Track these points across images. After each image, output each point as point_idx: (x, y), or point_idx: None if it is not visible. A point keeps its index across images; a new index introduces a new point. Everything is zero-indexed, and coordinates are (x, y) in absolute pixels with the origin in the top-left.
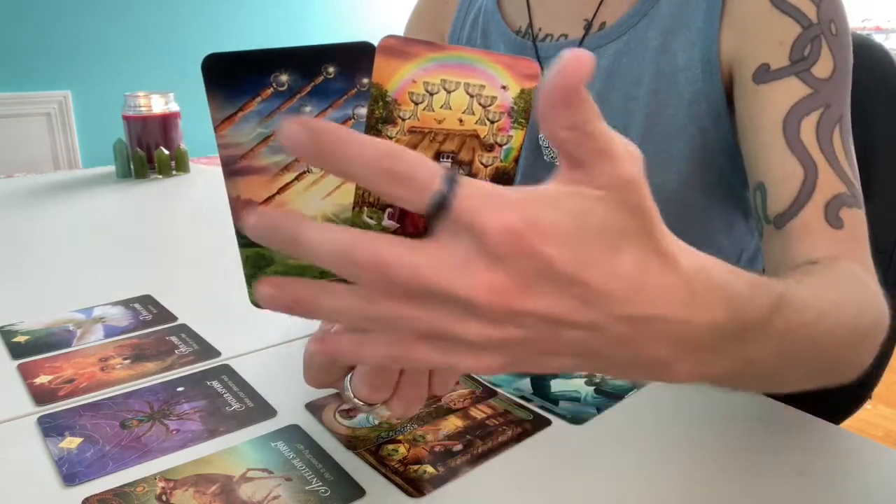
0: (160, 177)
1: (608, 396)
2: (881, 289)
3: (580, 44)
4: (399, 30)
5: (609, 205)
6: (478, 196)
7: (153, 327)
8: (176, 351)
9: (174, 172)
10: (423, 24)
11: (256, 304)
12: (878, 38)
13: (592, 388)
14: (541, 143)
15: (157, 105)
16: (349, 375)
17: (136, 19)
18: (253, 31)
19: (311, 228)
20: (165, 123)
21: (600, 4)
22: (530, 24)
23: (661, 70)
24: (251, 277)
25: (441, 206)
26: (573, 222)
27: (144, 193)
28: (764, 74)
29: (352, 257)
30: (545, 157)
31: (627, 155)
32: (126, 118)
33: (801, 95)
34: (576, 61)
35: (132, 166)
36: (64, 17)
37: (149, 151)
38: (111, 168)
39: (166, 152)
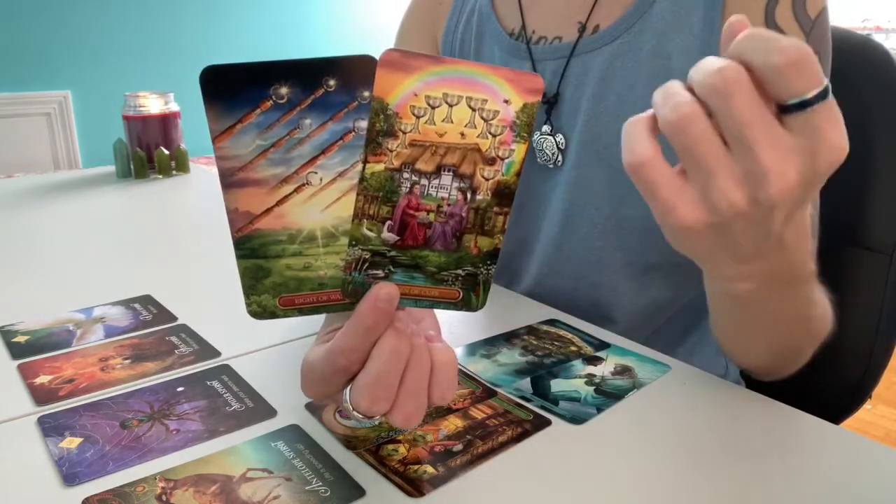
0: (160, 177)
1: (608, 396)
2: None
3: (574, 46)
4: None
5: None
6: (836, 111)
7: (153, 327)
8: (176, 351)
9: (174, 172)
10: (417, 25)
11: (255, 315)
12: (878, 38)
13: (592, 388)
14: (534, 145)
15: (157, 105)
16: (348, 387)
17: (137, 20)
18: (253, 31)
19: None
20: (165, 123)
21: (594, 7)
22: (523, 27)
23: (655, 73)
24: (249, 289)
25: (807, 104)
26: None
27: (144, 193)
28: None
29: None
30: (538, 160)
31: None
32: (126, 118)
33: None
34: None
35: (132, 166)
36: (64, 17)
37: (149, 151)
38: (111, 168)
39: (166, 152)
